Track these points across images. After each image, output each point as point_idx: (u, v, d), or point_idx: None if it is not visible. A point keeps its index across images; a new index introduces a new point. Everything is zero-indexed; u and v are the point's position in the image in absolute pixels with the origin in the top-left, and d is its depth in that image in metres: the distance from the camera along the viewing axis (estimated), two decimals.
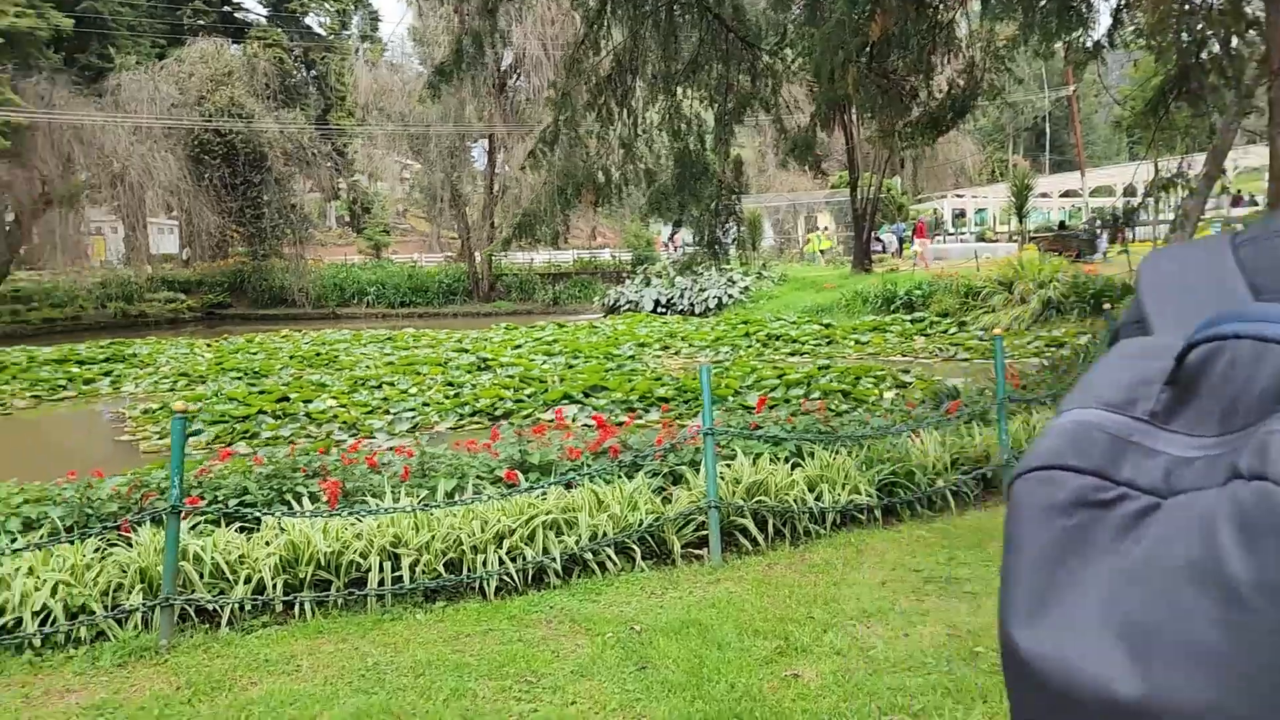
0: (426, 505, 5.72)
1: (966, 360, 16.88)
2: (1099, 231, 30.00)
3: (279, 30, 45.99)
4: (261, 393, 14.94)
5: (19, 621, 4.89)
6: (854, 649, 4.43)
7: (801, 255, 39.88)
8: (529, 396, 14.01)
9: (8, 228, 34.25)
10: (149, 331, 30.73)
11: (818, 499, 6.44)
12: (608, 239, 50.14)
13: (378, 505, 5.81)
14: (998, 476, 7.16)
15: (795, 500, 6.32)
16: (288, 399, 14.28)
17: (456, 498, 6.02)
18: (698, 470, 6.39)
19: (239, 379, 17.40)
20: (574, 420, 12.16)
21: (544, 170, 11.73)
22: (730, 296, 28.18)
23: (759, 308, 26.33)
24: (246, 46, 41.76)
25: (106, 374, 19.00)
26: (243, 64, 38.45)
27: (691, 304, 28.50)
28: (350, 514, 5.57)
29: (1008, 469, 7.09)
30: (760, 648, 4.49)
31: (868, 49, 10.75)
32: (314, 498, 6.05)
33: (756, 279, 29.39)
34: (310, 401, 14.01)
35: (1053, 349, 15.72)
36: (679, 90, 12.71)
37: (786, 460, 6.80)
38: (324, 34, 55.64)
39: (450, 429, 12.84)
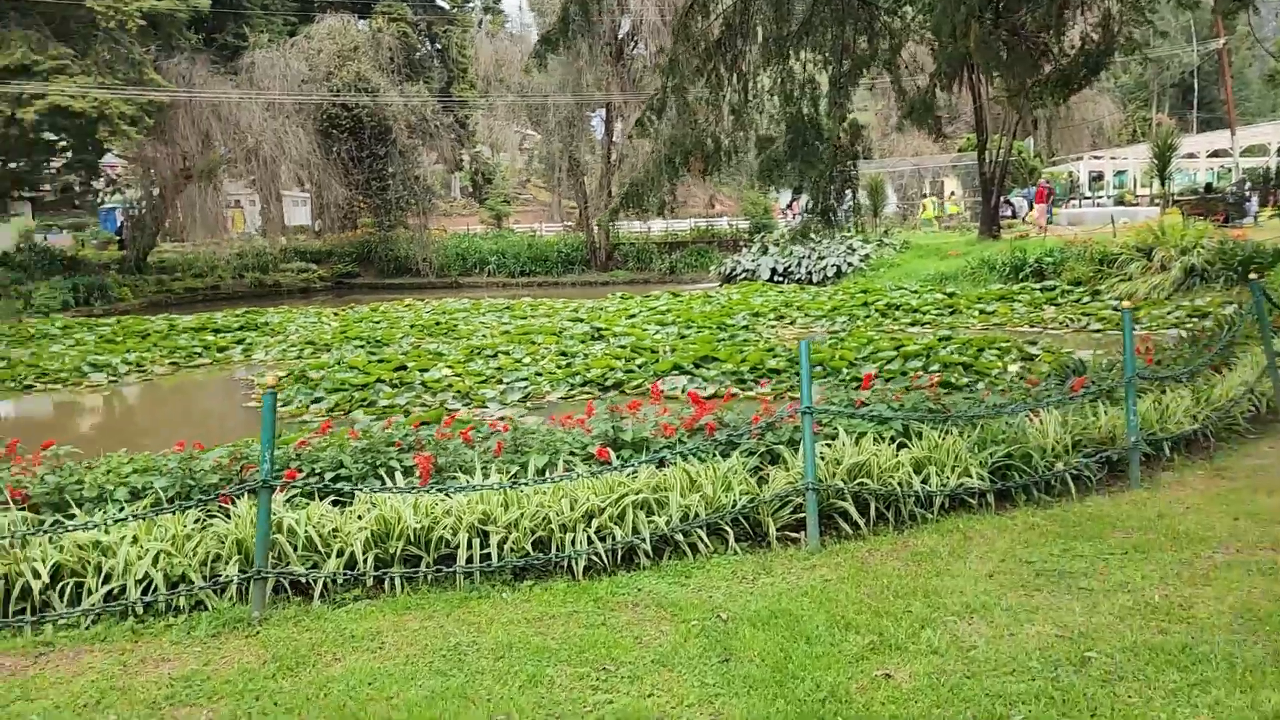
0: (515, 483, 5.65)
1: (1100, 331, 16.00)
2: (1248, 194, 28.09)
3: (404, 4, 46.83)
4: (380, 361, 15.28)
5: (123, 589, 5.05)
6: (953, 648, 4.15)
7: (916, 221, 38.56)
8: (639, 367, 13.92)
9: (153, 202, 36.06)
10: (282, 301, 31.96)
11: (924, 482, 6.11)
12: (726, 207, 49.64)
13: (467, 482, 5.78)
14: (1124, 460, 6.68)
15: (900, 483, 6.01)
16: (405, 368, 14.56)
17: (547, 475, 5.94)
18: (796, 450, 6.14)
19: (361, 347, 17.87)
20: (682, 392, 12.01)
21: (651, 138, 11.53)
22: (850, 264, 27.47)
23: (879, 276, 25.58)
24: (372, 21, 42.68)
25: (239, 342, 19.78)
26: (368, 39, 39.28)
27: (809, 272, 27.90)
28: (439, 490, 5.55)
29: (1135, 451, 6.61)
30: (851, 643, 4.25)
31: (993, 3, 10.16)
32: (408, 472, 6.06)
33: (877, 246, 28.56)
34: (426, 370, 14.23)
35: (1194, 319, 14.75)
36: (792, 53, 12.30)
37: (892, 440, 6.48)
38: (447, 7, 56.48)
39: (561, 399, 12.86)
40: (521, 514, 5.48)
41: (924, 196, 40.62)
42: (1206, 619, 4.32)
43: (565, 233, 43.56)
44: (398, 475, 6.04)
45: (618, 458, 6.23)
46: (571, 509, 5.54)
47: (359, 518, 5.49)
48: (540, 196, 58.94)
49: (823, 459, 6.06)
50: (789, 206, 37.79)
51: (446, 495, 5.60)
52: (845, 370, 12.55)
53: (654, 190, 11.56)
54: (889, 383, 10.95)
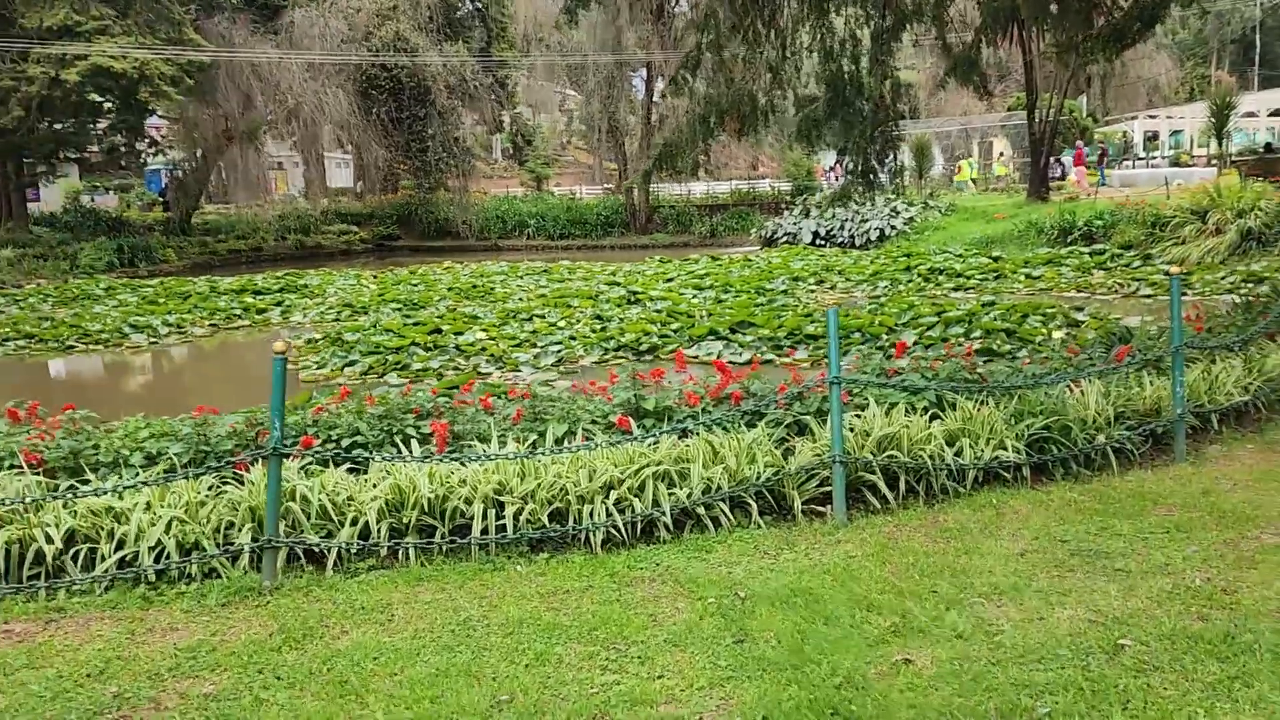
0: (532, 452, 5.51)
1: (1150, 297, 15.55)
2: None
3: None
4: (416, 324, 15.24)
5: (136, 555, 5.00)
6: (978, 632, 3.96)
7: (951, 183, 37.56)
8: (675, 331, 13.76)
9: (196, 163, 36.29)
10: (323, 263, 32.08)
11: (957, 454, 5.89)
12: (769, 169, 48.96)
13: (483, 450, 5.65)
14: (1169, 433, 6.40)
15: (931, 456, 5.79)
16: (440, 331, 14.50)
17: (565, 444, 5.80)
18: (824, 421, 5.94)
19: (398, 310, 17.85)
20: (717, 357, 11.82)
21: (686, 97, 11.24)
22: (893, 228, 26.98)
23: (923, 239, 25.09)
24: None
25: (278, 304, 19.86)
26: None
27: (851, 236, 27.47)
28: (454, 459, 5.43)
29: (1180, 424, 6.33)
30: (872, 625, 4.07)
31: None
32: (425, 439, 5.96)
33: (922, 209, 27.99)
34: (461, 334, 14.16)
35: (1250, 285, 14.26)
36: (832, 8, 11.89)
37: (925, 411, 6.25)
38: None
39: (595, 363, 12.75)
40: (538, 484, 5.35)
41: (964, 158, 39.67)
42: (1251, 606, 4.08)
43: (605, 195, 43.27)
44: (414, 443, 5.94)
45: (639, 427, 6.08)
46: (590, 480, 5.40)
47: (373, 486, 5.40)
48: (581, 158, 58.62)
49: (851, 430, 5.86)
50: (832, 168, 37.15)
51: (462, 464, 5.48)
52: (884, 336, 12.30)
53: (688, 151, 11.27)
54: (929, 349, 10.69)
